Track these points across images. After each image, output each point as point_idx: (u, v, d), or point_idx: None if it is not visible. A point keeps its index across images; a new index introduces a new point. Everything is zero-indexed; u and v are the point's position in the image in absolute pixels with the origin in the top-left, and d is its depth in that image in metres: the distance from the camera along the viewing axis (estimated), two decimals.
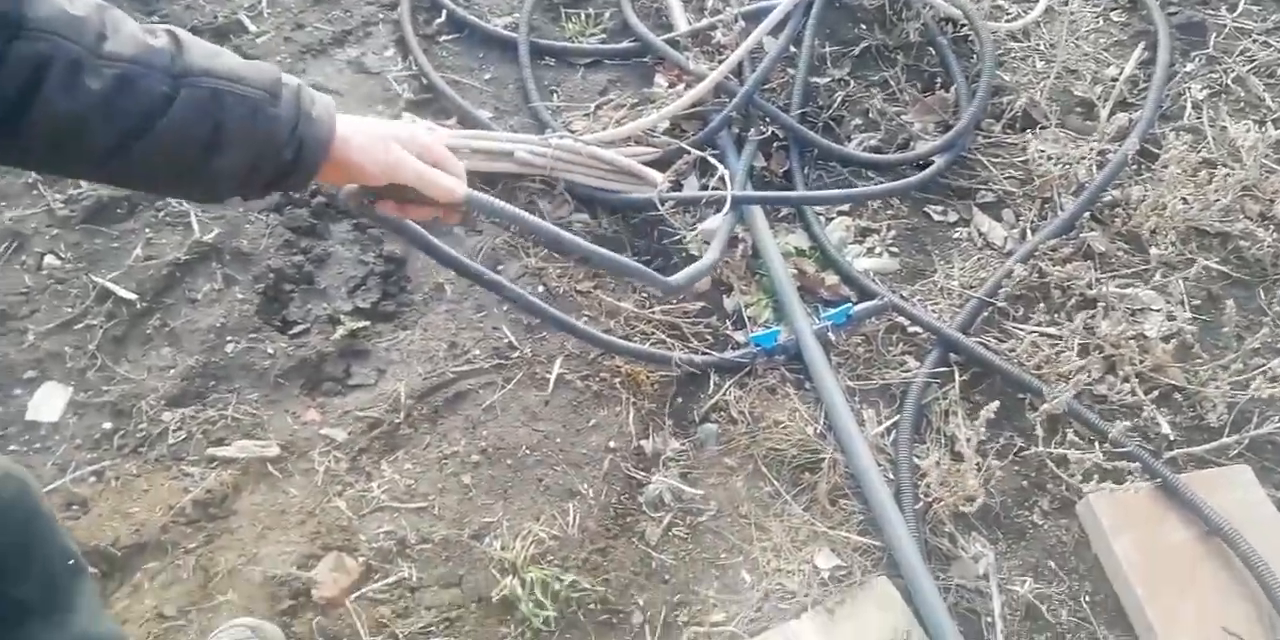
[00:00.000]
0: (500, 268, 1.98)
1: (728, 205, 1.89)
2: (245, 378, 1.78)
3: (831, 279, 1.90)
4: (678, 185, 2.14)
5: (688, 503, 1.60)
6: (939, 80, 2.31)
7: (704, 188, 2.15)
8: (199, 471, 1.63)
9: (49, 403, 1.71)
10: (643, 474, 1.64)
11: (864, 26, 2.47)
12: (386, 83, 2.41)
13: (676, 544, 1.55)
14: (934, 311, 1.83)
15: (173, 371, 1.77)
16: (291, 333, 1.87)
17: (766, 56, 2.26)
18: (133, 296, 1.87)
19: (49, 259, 1.93)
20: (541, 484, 1.63)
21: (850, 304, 1.83)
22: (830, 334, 1.78)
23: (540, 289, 1.94)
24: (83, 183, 2.07)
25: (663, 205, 1.96)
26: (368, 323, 1.89)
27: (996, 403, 1.54)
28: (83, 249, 1.96)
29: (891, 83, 2.34)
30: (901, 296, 1.86)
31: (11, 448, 1.65)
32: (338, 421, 1.71)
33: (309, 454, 1.66)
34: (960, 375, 1.71)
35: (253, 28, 2.58)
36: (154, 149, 0.78)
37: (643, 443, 1.68)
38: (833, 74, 2.37)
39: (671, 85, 2.38)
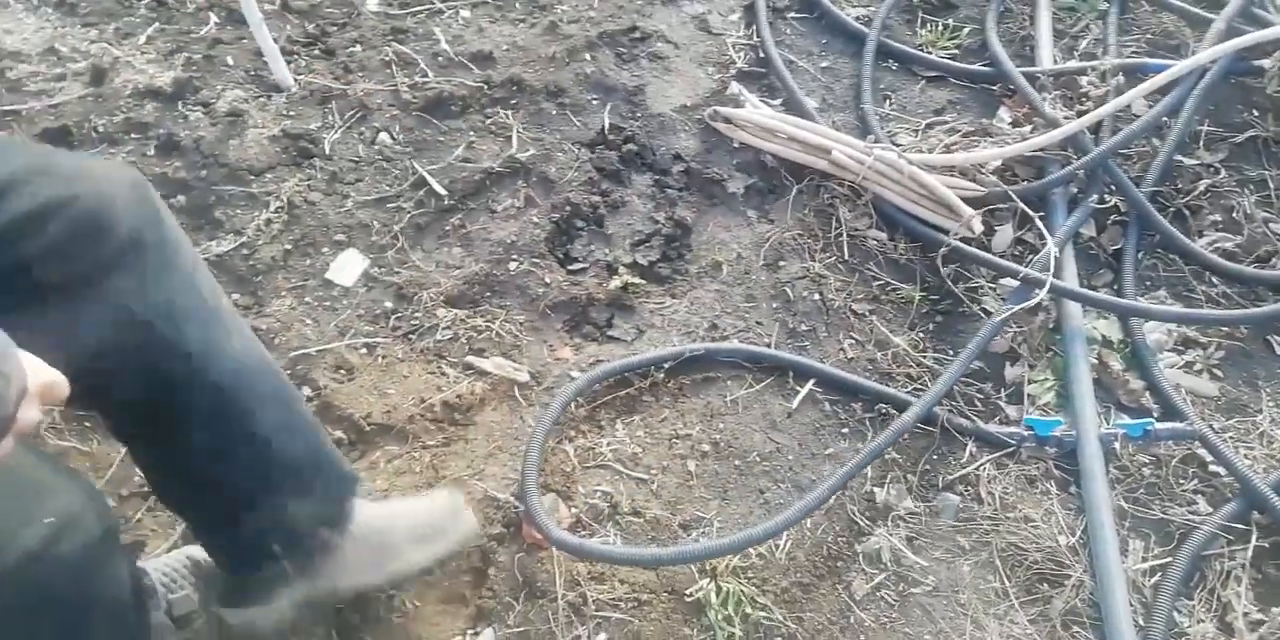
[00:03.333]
0: (781, 264, 1.89)
1: (1043, 292, 1.68)
2: (518, 298, 1.80)
3: (1136, 384, 1.68)
4: (990, 232, 1.95)
5: (906, 569, 1.47)
6: None
7: (1018, 241, 1.95)
8: (455, 374, 1.66)
9: (348, 268, 1.79)
10: (867, 523, 1.52)
11: (1257, 113, 2.13)
12: (724, 46, 2.33)
13: (882, 607, 1.43)
14: (1247, 458, 1.57)
15: (458, 272, 1.81)
16: (570, 268, 1.86)
17: (1137, 120, 1.99)
18: (444, 192, 1.92)
19: (383, 136, 2.02)
20: (763, 496, 1.55)
21: (1151, 419, 1.60)
22: (1117, 444, 1.57)
23: (816, 297, 1.83)
24: (430, 72, 2.15)
25: (957, 252, 1.79)
26: (641, 280, 1.85)
27: None
28: (414, 135, 2.02)
29: (1271, 184, 2.01)
30: (1213, 428, 1.61)
31: (307, 300, 1.75)
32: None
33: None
34: (1259, 539, 1.46)
35: None
36: None
37: (876, 490, 1.56)
38: (1204, 157, 2.06)
39: (1015, 123, 2.16)
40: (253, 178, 1.88)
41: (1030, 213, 1.88)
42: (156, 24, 2.22)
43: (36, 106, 1.97)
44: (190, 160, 1.89)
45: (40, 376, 0.72)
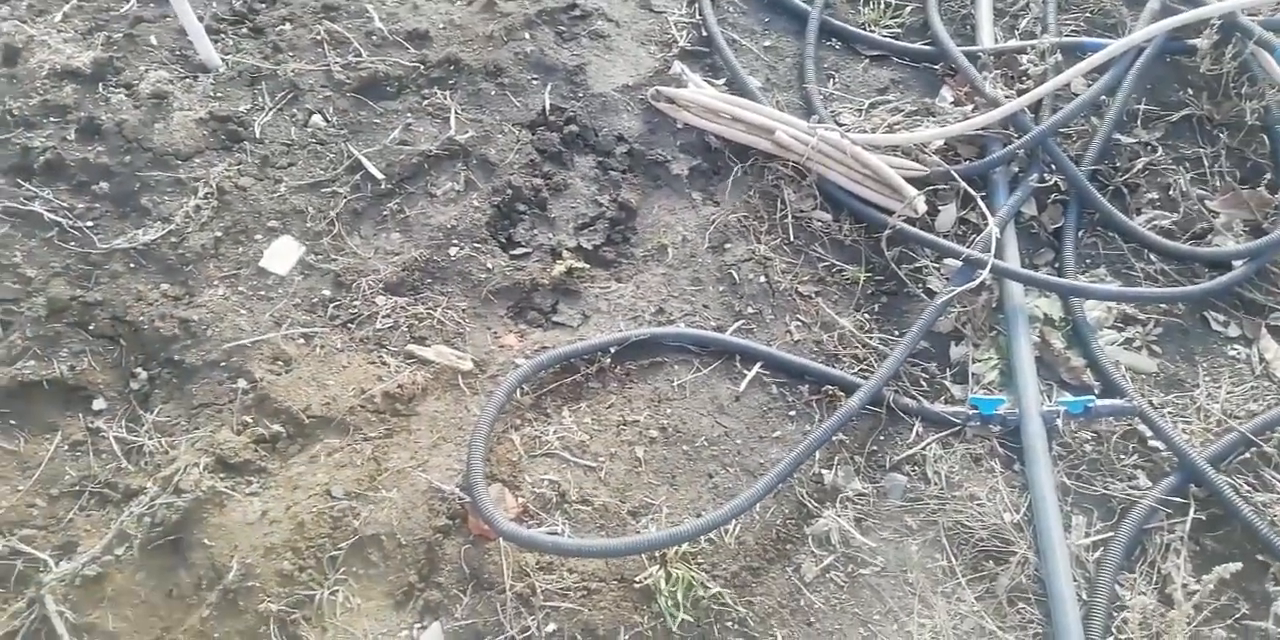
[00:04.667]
0: (727, 246, 1.85)
1: (985, 272, 1.67)
2: (459, 285, 1.74)
3: (1077, 361, 1.68)
4: (934, 211, 1.94)
5: (854, 550, 1.47)
6: (1266, 174, 1.98)
7: (961, 221, 1.95)
8: (396, 363, 1.60)
9: (282, 256, 1.71)
10: (815, 505, 1.51)
11: (1191, 92, 2.15)
12: (666, 25, 2.27)
13: (831, 589, 1.42)
14: (1184, 432, 1.59)
15: (397, 259, 1.74)
16: (513, 253, 1.81)
17: (1075, 100, 1.99)
18: (380, 176, 1.84)
19: (316, 119, 1.93)
20: (711, 480, 1.52)
21: (1092, 396, 1.61)
22: (1059, 421, 1.58)
23: (762, 280, 1.80)
24: (364, 51, 2.05)
25: (901, 233, 1.78)
26: (586, 265, 1.80)
27: (1238, 565, 1.32)
28: (348, 117, 1.94)
29: (1206, 162, 2.03)
30: (1151, 403, 1.63)
31: (240, 289, 1.67)
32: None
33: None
34: (1196, 512, 1.48)
35: None
36: None
37: (824, 472, 1.55)
38: (1140, 136, 2.07)
39: (958, 102, 2.14)
40: (180, 163, 1.78)
41: (973, 192, 1.87)
42: (74, 1, 2.08)
43: None
44: (113, 145, 1.78)
45: None
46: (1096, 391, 1.65)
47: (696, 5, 2.27)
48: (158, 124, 1.83)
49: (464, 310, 1.70)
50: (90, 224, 1.69)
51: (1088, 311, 1.77)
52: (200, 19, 1.94)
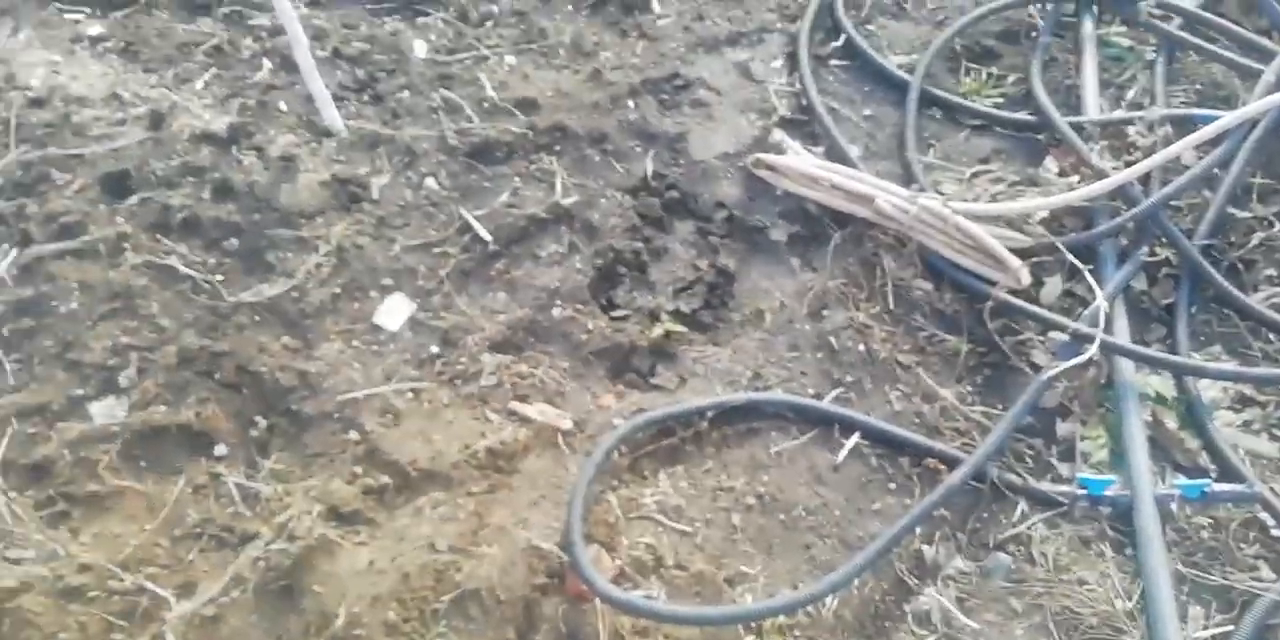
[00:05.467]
0: (826, 313, 1.91)
1: (1094, 348, 1.69)
2: (561, 345, 1.84)
3: (1192, 443, 1.67)
4: (1038, 283, 1.96)
5: (956, 631, 1.47)
6: None
7: (1067, 293, 1.97)
8: (499, 420, 1.70)
9: (394, 313, 1.85)
10: (916, 582, 1.52)
11: None
12: (766, 93, 2.40)
13: None
14: None
15: (502, 318, 1.85)
16: (613, 315, 1.90)
17: (1186, 173, 2.01)
18: (489, 237, 1.98)
19: (430, 182, 2.09)
20: (809, 551, 1.55)
21: (1209, 480, 1.59)
22: (1174, 505, 1.56)
23: (861, 348, 1.85)
24: (476, 118, 2.23)
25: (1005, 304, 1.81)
26: (684, 328, 1.89)
27: None
28: (460, 181, 2.09)
29: None
30: (1273, 490, 1.60)
31: (355, 343, 1.80)
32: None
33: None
34: None
35: (658, 8, 2.65)
36: None
37: (925, 548, 1.56)
38: (1256, 210, 2.07)
39: (1062, 173, 2.19)
40: (303, 221, 1.95)
41: (1079, 265, 1.90)
42: (213, 70, 2.33)
43: (99, 150, 2.06)
44: (244, 204, 1.97)
45: None
46: (1213, 476, 1.63)
47: (797, 75, 2.39)
48: (285, 185, 2.02)
49: (565, 370, 1.80)
50: (220, 278, 1.86)
51: (1203, 391, 1.75)
52: (326, 86, 2.14)
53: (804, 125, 2.32)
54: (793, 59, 2.47)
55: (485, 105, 2.27)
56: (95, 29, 2.43)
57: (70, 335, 1.74)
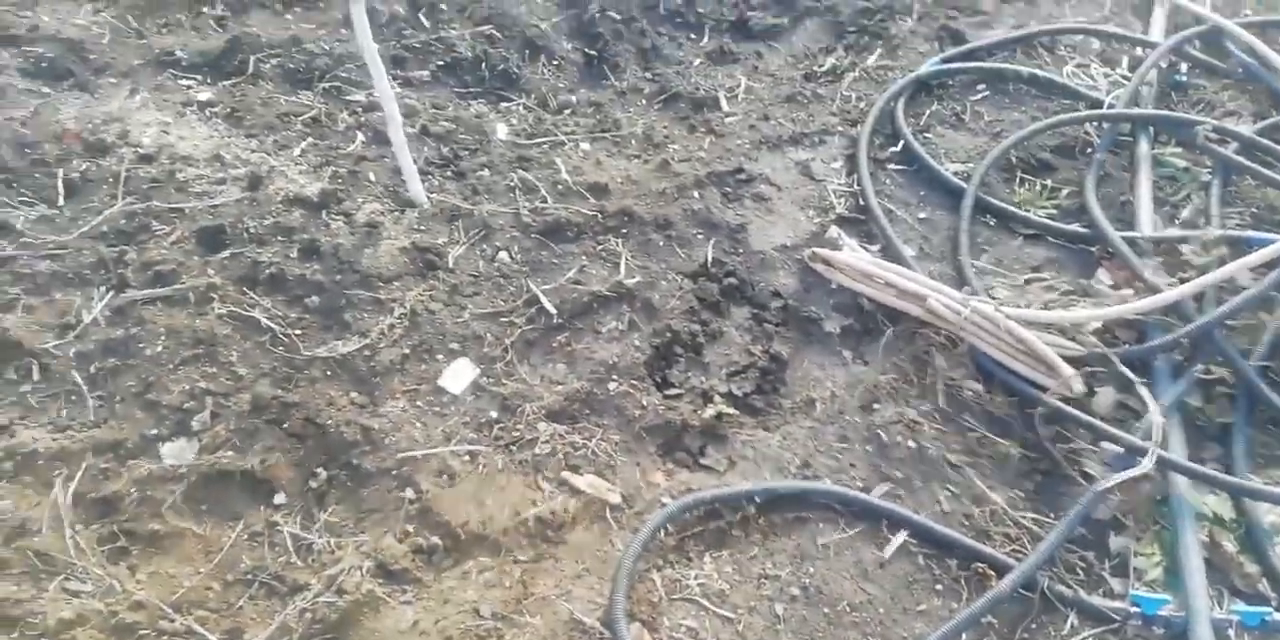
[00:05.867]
0: (876, 407, 1.96)
1: (1149, 462, 1.71)
2: (615, 418, 1.90)
3: (1251, 568, 1.66)
4: (1091, 392, 1.99)
5: None
6: None
7: (1121, 405, 1.99)
8: (550, 489, 1.75)
9: (459, 376, 1.94)
10: None
11: None
12: (825, 192, 2.53)
13: None
14: None
15: (560, 388, 1.93)
16: (667, 393, 1.97)
17: (1243, 293, 2.06)
18: (553, 310, 2.08)
19: (502, 255, 2.22)
20: None
21: (1270, 608, 1.57)
22: (1231, 631, 1.54)
23: (911, 444, 1.88)
24: (550, 199, 2.38)
25: (1057, 411, 1.84)
26: (735, 411, 1.95)
27: None
28: (530, 256, 2.22)
29: None
30: None
31: (418, 403, 1.88)
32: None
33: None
34: None
35: (725, 107, 2.84)
36: None
37: None
38: None
39: (1115, 286, 2.25)
40: (381, 285, 2.08)
41: (1133, 378, 1.94)
42: (310, 139, 2.53)
43: (199, 206, 2.24)
44: (328, 264, 2.10)
45: None
46: (1274, 604, 1.61)
47: (856, 176, 2.52)
48: (367, 249, 2.16)
49: (617, 443, 1.85)
50: (299, 332, 1.97)
51: (1263, 516, 1.75)
52: (414, 161, 2.31)
53: (860, 224, 2.43)
54: (852, 161, 2.61)
55: (559, 187, 2.42)
56: (205, 95, 2.66)
57: (152, 377, 1.86)
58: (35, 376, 1.85)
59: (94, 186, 2.29)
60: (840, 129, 2.75)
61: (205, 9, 3.03)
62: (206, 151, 2.43)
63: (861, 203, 2.46)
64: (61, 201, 2.25)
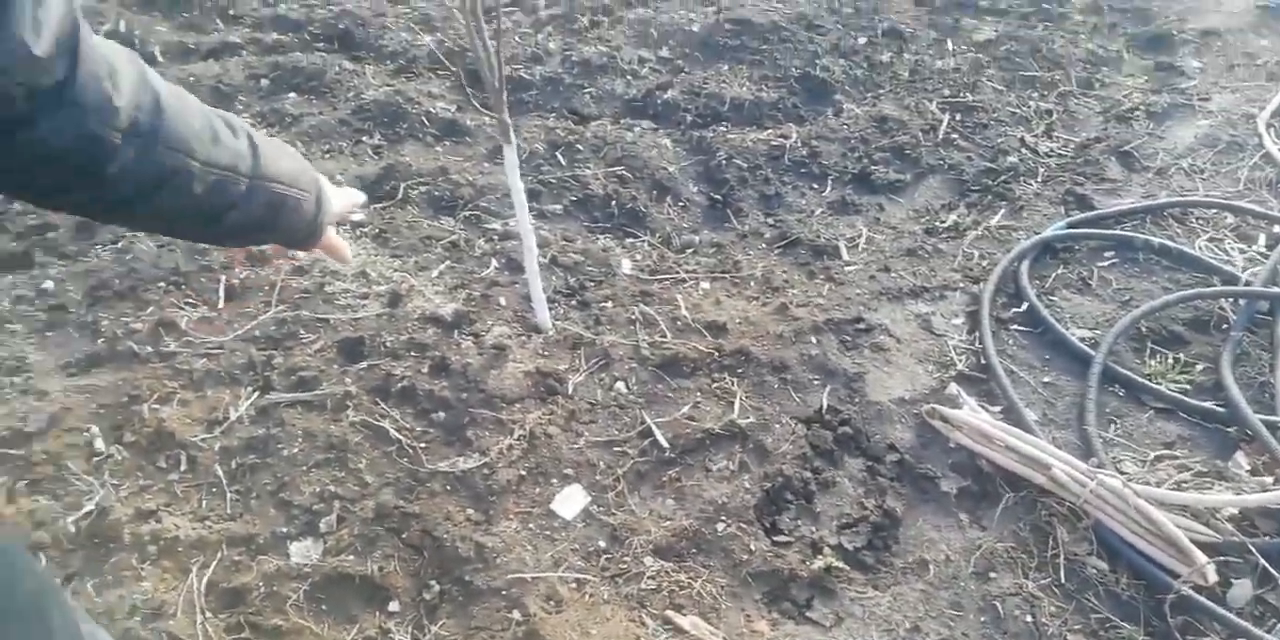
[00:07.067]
0: (992, 575, 2.05)
1: None
2: (721, 560, 2.04)
3: None
4: (1225, 583, 2.03)
5: None
6: None
7: (1259, 600, 2.02)
8: (653, 626, 1.88)
9: (571, 502, 2.13)
10: None
11: None
12: (945, 348, 2.71)
13: None
14: None
15: (668, 524, 2.10)
16: (776, 539, 2.11)
17: None
18: (666, 444, 2.29)
19: (620, 385, 2.46)
20: None
21: None
22: None
23: (1029, 620, 1.95)
24: (669, 334, 2.64)
25: (1187, 600, 1.88)
26: (845, 565, 2.06)
27: None
28: (647, 388, 2.46)
29: None
30: None
31: (530, 526, 2.08)
32: None
33: None
34: None
35: (846, 256, 3.12)
36: (222, 229, 1.15)
37: None
38: None
39: (1254, 472, 2.32)
40: (504, 405, 2.33)
41: (1274, 572, 1.98)
42: (448, 262, 2.90)
43: (342, 318, 2.58)
44: (455, 382, 2.38)
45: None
46: None
47: (977, 334, 2.71)
48: (493, 370, 2.44)
49: (722, 586, 1.99)
50: (423, 445, 2.22)
51: None
52: (543, 289, 2.62)
53: (981, 383, 2.59)
54: (974, 318, 2.80)
55: (678, 323, 2.69)
56: (358, 215, 3.10)
57: (287, 477, 2.12)
58: (183, 466, 2.14)
59: (251, 293, 2.69)
60: (962, 285, 2.97)
61: (364, 139, 3.56)
62: (354, 268, 2.82)
63: (983, 361, 2.63)
64: (221, 305, 2.64)
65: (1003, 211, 3.33)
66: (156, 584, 1.88)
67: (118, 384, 2.33)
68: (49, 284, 2.67)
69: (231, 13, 4.65)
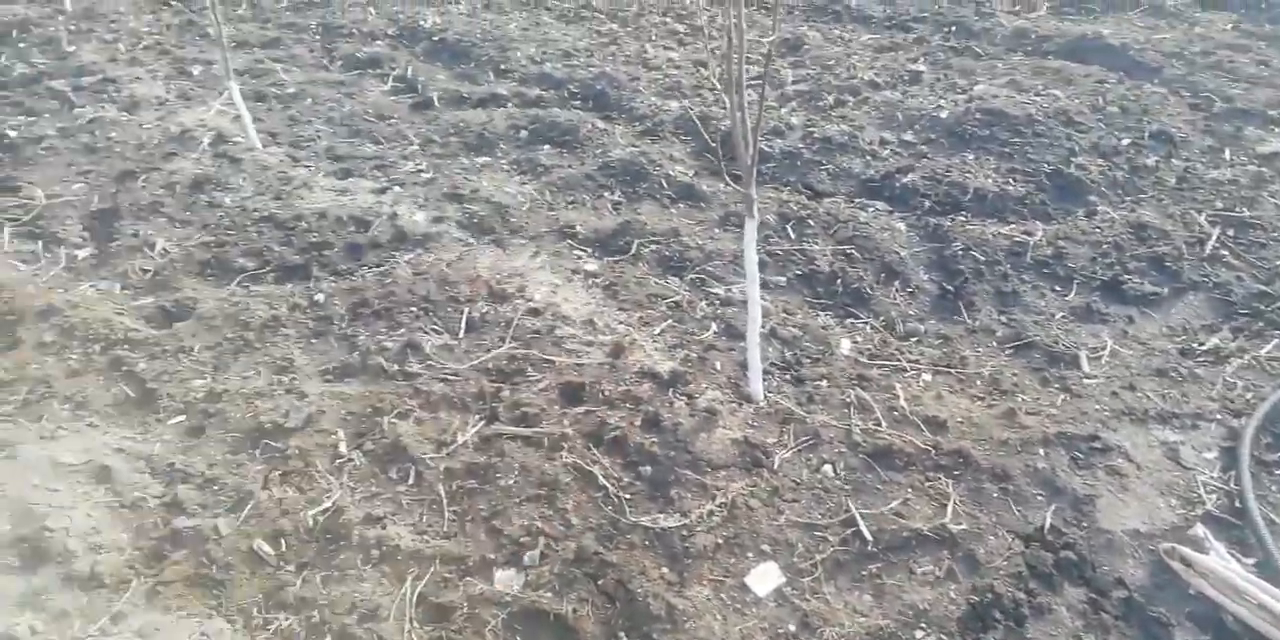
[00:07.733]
0: None
1: None
2: None
3: None
4: None
5: None
6: None
7: None
8: None
9: (765, 579, 2.15)
10: None
11: None
12: (1192, 482, 2.52)
13: None
14: None
15: (863, 621, 2.07)
16: None
17: None
18: (869, 537, 2.26)
19: (827, 468, 2.47)
20: None
21: None
22: None
23: None
24: (884, 422, 2.61)
25: None
26: None
27: None
28: (855, 475, 2.45)
29: None
30: None
31: (722, 595, 2.11)
32: None
33: None
34: None
35: (1086, 367, 2.98)
36: None
37: None
38: None
39: None
40: (709, 470, 2.40)
41: None
42: (670, 321, 3.04)
43: (567, 362, 2.76)
44: (665, 439, 2.48)
45: None
46: None
47: (1234, 473, 2.50)
48: (702, 433, 2.51)
49: None
50: (628, 497, 2.32)
51: None
52: (760, 360, 2.68)
53: (1233, 528, 2.38)
54: (1231, 455, 2.59)
55: (894, 413, 2.67)
56: (592, 266, 3.32)
57: (500, 506, 2.28)
58: (410, 480, 2.35)
59: (489, 327, 2.93)
60: (1219, 417, 2.77)
61: (606, 194, 3.83)
62: (583, 315, 3.02)
63: (1237, 505, 2.43)
64: (462, 334, 2.90)
65: (1276, 341, 3.07)
66: (374, 587, 2.06)
67: (365, 395, 2.60)
68: (320, 296, 3.04)
69: (503, 67, 5.17)
